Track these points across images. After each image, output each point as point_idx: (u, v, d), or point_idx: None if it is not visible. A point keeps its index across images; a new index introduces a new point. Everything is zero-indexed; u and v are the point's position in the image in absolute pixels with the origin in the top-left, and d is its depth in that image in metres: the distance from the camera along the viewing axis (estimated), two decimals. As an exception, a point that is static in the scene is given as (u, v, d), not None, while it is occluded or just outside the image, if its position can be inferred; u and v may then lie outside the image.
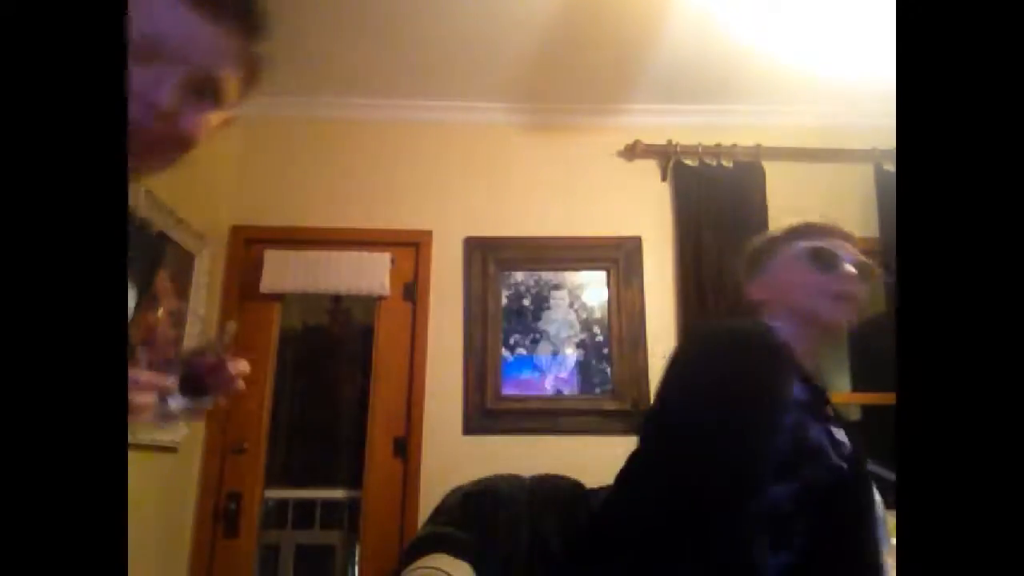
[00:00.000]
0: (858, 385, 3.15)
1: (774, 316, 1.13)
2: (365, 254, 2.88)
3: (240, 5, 0.72)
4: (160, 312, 2.26)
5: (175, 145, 0.74)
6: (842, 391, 3.11)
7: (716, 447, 0.91)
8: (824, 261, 1.08)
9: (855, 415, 3.07)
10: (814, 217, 1.21)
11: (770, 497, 0.95)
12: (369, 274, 2.86)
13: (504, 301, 2.95)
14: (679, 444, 0.96)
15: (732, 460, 0.91)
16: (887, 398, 2.84)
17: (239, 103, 0.78)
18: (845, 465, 1.04)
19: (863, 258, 1.14)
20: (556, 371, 2.91)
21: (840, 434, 1.09)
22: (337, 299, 3.13)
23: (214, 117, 0.76)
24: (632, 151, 3.07)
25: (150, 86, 0.69)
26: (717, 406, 0.93)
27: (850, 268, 1.08)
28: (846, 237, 1.16)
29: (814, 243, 1.11)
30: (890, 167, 3.02)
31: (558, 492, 2.57)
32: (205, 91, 0.73)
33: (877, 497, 1.15)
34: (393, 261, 2.90)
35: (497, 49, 2.70)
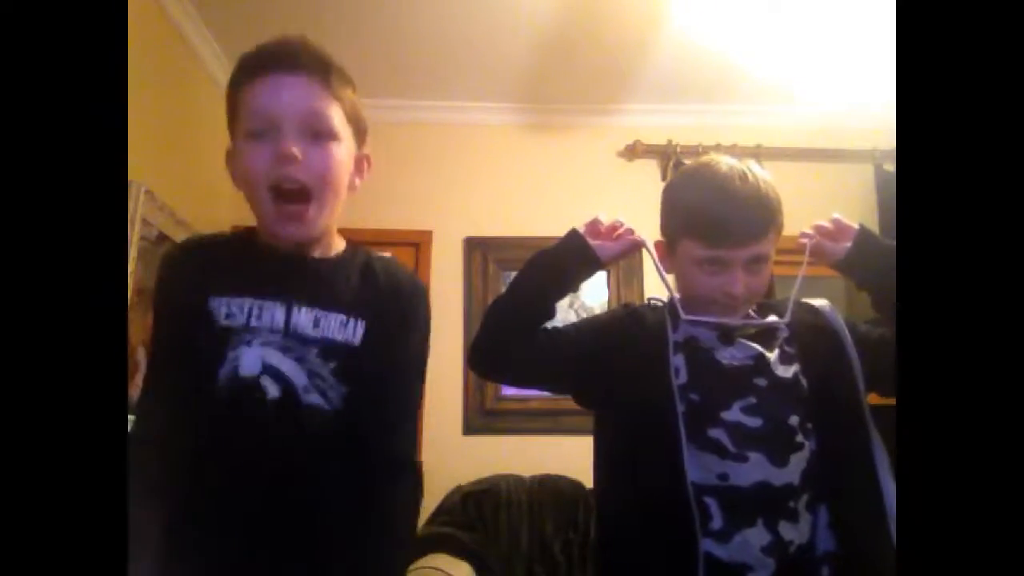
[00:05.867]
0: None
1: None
2: (365, 254, 2.89)
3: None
4: (160, 312, 2.26)
5: None
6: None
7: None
8: (713, 270, 1.15)
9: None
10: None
11: (729, 420, 1.08)
12: (369, 274, 2.86)
13: (504, 301, 2.95)
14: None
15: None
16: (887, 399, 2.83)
17: None
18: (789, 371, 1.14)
19: (758, 249, 1.13)
20: (556, 371, 2.90)
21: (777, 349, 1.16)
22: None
23: None
24: (632, 151, 3.07)
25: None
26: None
27: (734, 278, 1.14)
28: (742, 231, 1.13)
29: (704, 253, 1.15)
30: (890, 167, 3.02)
31: (558, 492, 2.57)
32: None
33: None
34: (393, 261, 2.91)
35: (497, 49, 2.70)
